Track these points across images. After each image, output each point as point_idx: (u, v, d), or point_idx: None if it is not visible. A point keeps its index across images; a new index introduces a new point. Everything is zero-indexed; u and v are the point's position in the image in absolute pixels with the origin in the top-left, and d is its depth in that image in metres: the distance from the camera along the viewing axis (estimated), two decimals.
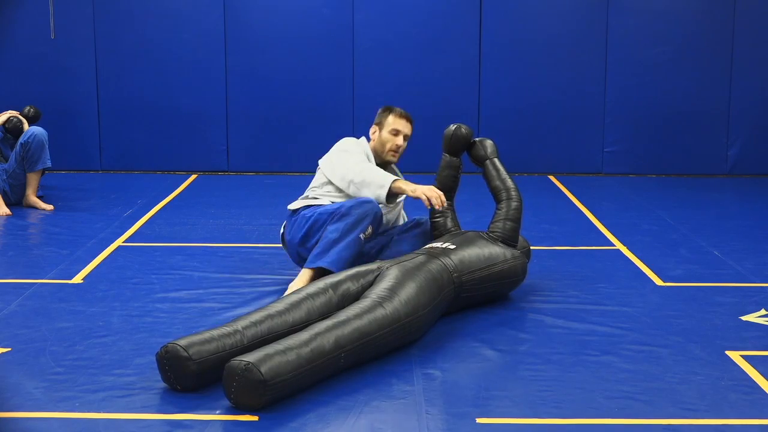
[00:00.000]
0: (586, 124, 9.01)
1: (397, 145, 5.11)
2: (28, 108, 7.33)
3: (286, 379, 3.45)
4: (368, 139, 5.21)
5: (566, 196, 7.95)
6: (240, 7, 8.84)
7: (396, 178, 4.89)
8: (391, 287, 4.06)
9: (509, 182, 4.99)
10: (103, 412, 3.42)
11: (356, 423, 3.37)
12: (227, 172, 9.02)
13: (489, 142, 5.11)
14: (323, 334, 3.66)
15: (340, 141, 5.19)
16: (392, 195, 4.88)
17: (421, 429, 3.33)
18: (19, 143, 7.05)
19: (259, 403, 3.41)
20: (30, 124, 7.24)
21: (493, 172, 5.02)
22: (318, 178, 5.18)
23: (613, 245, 6.11)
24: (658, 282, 5.23)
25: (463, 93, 8.93)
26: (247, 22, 8.86)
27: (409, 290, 4.07)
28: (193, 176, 8.81)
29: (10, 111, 7.22)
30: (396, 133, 5.11)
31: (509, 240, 4.84)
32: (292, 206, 5.14)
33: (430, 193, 4.77)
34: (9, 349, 4.06)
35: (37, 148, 7.03)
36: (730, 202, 7.91)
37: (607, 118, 8.98)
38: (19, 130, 7.12)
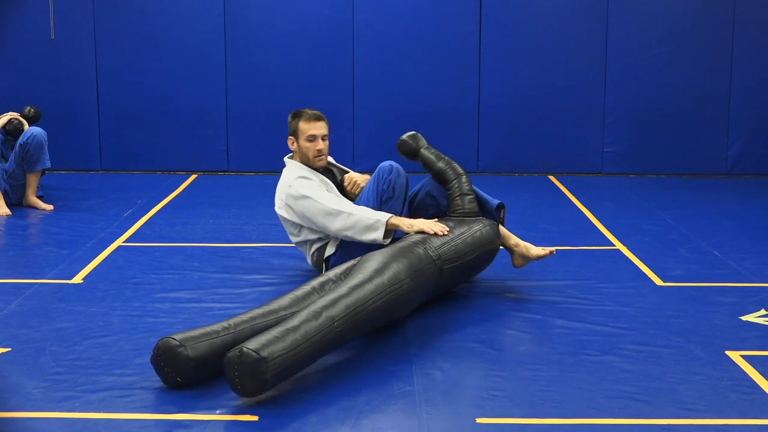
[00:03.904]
0: (586, 124, 9.00)
1: (317, 150, 5.02)
2: (28, 108, 7.33)
3: (286, 354, 3.47)
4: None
5: (566, 196, 7.95)
6: (240, 7, 8.84)
7: (389, 215, 4.77)
8: (374, 264, 4.14)
9: (450, 160, 5.13)
10: (103, 412, 3.42)
11: (356, 423, 3.37)
12: (227, 172, 9.02)
13: (410, 135, 5.28)
14: (313, 312, 3.71)
15: (286, 185, 5.00)
16: (389, 231, 4.77)
17: (421, 429, 3.33)
18: (18, 144, 7.05)
19: (264, 384, 3.43)
20: (30, 124, 7.24)
21: (432, 157, 5.15)
22: (290, 230, 5.14)
23: (613, 245, 6.11)
24: (658, 282, 5.23)
25: (463, 93, 8.93)
26: (247, 21, 8.86)
27: (391, 265, 4.16)
28: (193, 176, 8.81)
29: (10, 113, 7.22)
30: (312, 138, 5.01)
31: (471, 212, 4.95)
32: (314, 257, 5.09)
33: (432, 226, 4.69)
34: (9, 349, 4.06)
35: (36, 149, 7.03)
36: (730, 202, 7.91)
37: (607, 118, 8.98)
38: (20, 131, 7.12)
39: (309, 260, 5.16)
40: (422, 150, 5.20)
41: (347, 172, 5.28)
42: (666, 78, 8.89)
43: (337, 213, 4.81)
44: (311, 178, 5.02)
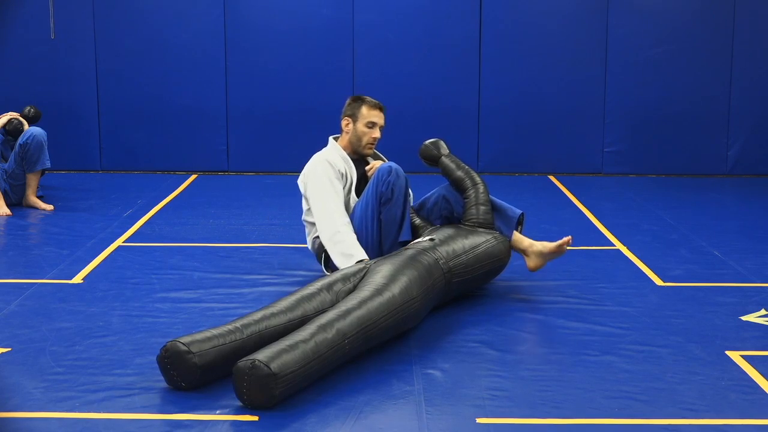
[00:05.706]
0: (586, 124, 9.00)
1: (374, 138, 5.08)
2: (28, 108, 7.33)
3: (296, 371, 3.47)
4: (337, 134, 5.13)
5: (566, 196, 7.95)
6: (240, 7, 8.84)
7: (365, 258, 4.69)
8: (385, 276, 4.14)
9: (469, 170, 5.10)
10: (103, 412, 3.42)
11: (356, 423, 3.37)
12: (227, 172, 9.02)
13: (432, 141, 5.24)
14: (325, 326, 3.70)
15: (314, 163, 5.02)
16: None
17: (421, 429, 3.34)
18: (18, 144, 7.05)
19: (272, 399, 3.43)
20: (30, 124, 7.24)
21: (452, 165, 5.12)
22: (303, 204, 5.14)
23: (613, 245, 6.11)
24: (658, 282, 5.23)
25: (463, 93, 8.93)
26: (247, 22, 8.86)
27: (402, 278, 4.16)
28: (193, 176, 8.81)
29: (10, 113, 7.22)
30: (372, 125, 5.06)
31: (486, 223, 4.93)
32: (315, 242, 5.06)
33: None
34: (9, 349, 4.06)
35: (36, 149, 7.03)
36: (730, 202, 7.91)
37: (607, 118, 8.98)
38: (20, 131, 7.12)
39: (308, 243, 5.15)
40: (443, 158, 5.17)
41: (381, 159, 5.23)
42: (666, 78, 8.90)
43: (330, 223, 4.82)
44: (336, 167, 4.97)
